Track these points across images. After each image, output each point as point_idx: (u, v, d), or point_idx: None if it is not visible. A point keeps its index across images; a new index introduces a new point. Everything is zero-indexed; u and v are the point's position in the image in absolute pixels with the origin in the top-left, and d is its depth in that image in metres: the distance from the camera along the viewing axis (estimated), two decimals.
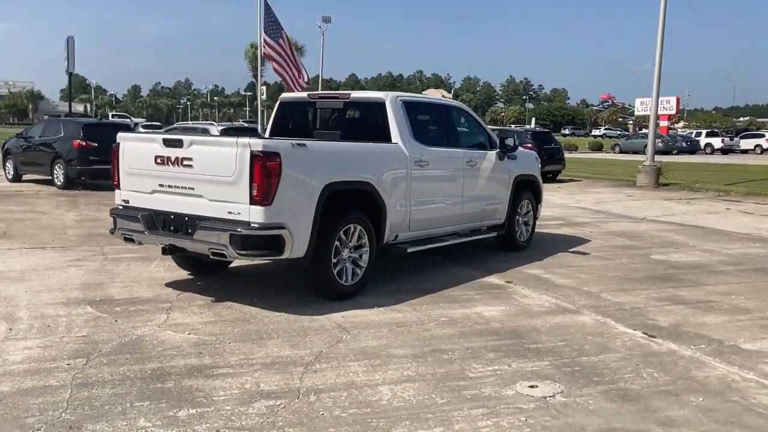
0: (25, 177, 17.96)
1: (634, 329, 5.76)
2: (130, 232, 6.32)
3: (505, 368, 4.73)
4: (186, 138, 5.96)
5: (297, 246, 5.81)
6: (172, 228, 6.09)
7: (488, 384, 4.42)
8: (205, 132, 17.41)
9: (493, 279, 7.48)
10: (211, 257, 5.88)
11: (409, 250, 7.19)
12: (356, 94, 7.42)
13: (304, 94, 7.88)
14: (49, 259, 7.93)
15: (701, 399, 4.28)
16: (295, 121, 7.88)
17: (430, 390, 4.29)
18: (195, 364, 4.63)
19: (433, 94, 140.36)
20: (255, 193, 5.53)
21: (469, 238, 8.40)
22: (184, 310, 5.94)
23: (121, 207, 6.50)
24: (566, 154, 25.04)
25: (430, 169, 7.30)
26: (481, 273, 7.75)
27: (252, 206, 5.57)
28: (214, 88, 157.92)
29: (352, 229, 6.35)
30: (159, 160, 6.08)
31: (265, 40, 25.67)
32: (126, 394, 4.09)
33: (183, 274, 7.25)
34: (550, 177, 22.31)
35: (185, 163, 5.91)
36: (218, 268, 7.34)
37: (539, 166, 9.81)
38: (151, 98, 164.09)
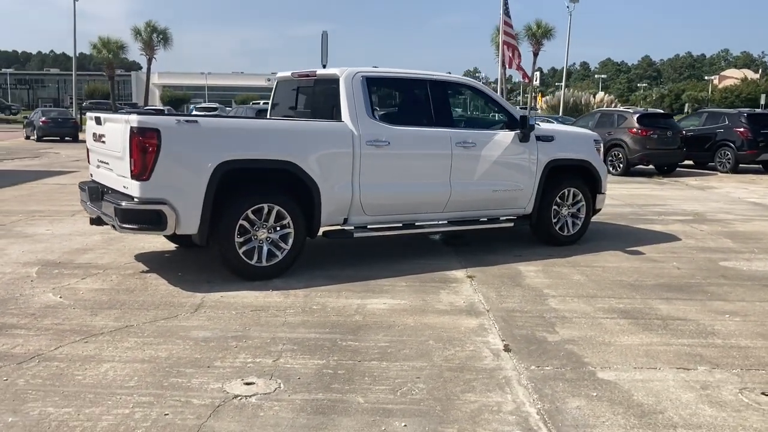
0: None
1: (503, 339, 4.86)
2: (83, 203, 6.92)
3: (266, 362, 4.34)
4: (103, 116, 6.35)
5: (184, 222, 5.86)
6: (105, 200, 6.53)
7: (211, 375, 4.11)
8: None
9: (457, 273, 6.75)
10: (114, 229, 6.20)
11: (355, 235, 6.80)
12: (321, 72, 7.16)
13: (288, 73, 7.79)
14: (95, 228, 8.89)
15: (404, 425, 3.53)
16: (287, 99, 7.87)
17: (143, 373, 4.12)
18: (4, 323, 4.97)
19: (732, 75, 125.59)
20: (133, 168, 5.71)
21: (469, 227, 7.65)
22: (103, 276, 6.36)
23: (89, 180, 7.12)
24: None
25: (392, 149, 6.79)
26: (459, 265, 7.05)
27: (132, 181, 5.76)
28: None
29: (266, 209, 6.19)
30: (94, 137, 6.57)
31: (504, 22, 25.53)
32: None
33: (172, 246, 7.70)
34: None
35: (102, 139, 6.32)
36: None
37: (599, 149, 8.46)
38: None
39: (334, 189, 6.50)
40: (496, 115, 7.79)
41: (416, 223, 7.24)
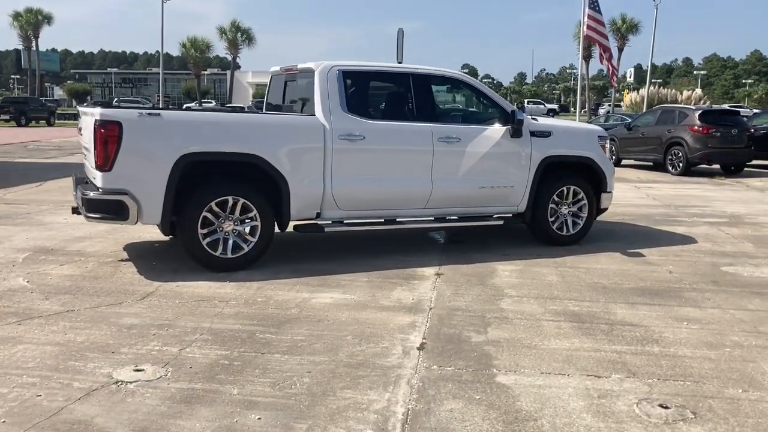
0: None
1: (424, 338, 4.76)
2: (73, 193, 7.22)
3: (171, 350, 4.41)
4: (82, 109, 6.61)
5: (147, 213, 6.02)
6: (77, 190, 6.77)
7: (110, 360, 4.21)
8: None
9: (428, 270, 6.63)
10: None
11: (326, 230, 6.79)
12: (301, 66, 7.16)
13: (278, 68, 7.84)
14: None
15: (258, 418, 3.51)
16: (279, 93, 7.95)
17: (47, 356, 4.26)
18: None
19: None
20: (96, 159, 5.93)
21: (454, 224, 7.52)
22: (80, 263, 6.62)
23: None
24: None
25: (367, 144, 6.74)
26: (436, 263, 6.93)
27: (96, 171, 5.97)
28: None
29: (230, 202, 6.28)
30: (79, 130, 6.85)
31: (589, 16, 24.84)
32: None
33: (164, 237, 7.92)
34: None
35: (82, 132, 6.58)
36: None
37: (604, 146, 8.07)
38: (532, 86, 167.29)
39: (303, 183, 6.51)
40: (489, 109, 7.58)
41: (397, 219, 7.15)
